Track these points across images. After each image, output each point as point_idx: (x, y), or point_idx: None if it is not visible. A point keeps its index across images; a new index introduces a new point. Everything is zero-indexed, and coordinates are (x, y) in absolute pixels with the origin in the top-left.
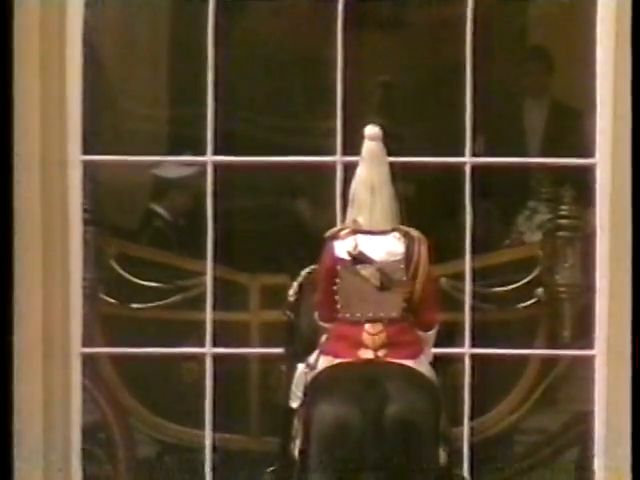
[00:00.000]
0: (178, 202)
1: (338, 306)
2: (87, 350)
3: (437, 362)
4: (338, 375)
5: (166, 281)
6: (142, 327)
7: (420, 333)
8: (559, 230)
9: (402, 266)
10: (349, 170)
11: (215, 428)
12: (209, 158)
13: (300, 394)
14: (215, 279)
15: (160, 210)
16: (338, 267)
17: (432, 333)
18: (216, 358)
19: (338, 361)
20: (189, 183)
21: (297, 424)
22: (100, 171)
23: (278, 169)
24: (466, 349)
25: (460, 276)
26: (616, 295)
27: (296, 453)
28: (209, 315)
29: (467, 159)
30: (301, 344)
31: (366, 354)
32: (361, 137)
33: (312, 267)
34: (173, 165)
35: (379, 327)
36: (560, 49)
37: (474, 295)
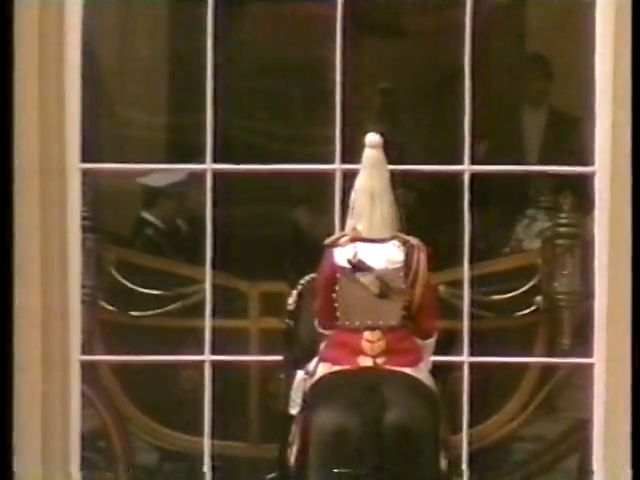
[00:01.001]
0: (174, 210)
1: (337, 313)
2: (86, 357)
3: (436, 370)
4: (337, 382)
5: (165, 288)
6: (141, 334)
7: (419, 341)
8: (558, 238)
9: (401, 274)
10: (348, 178)
11: (214, 435)
12: (209, 166)
13: (299, 401)
14: (214, 286)
15: (155, 218)
16: (338, 275)
17: (431, 341)
18: (215, 365)
19: (337, 368)
20: (184, 190)
21: (294, 430)
22: (99, 179)
23: (277, 177)
24: (465, 357)
25: (459, 284)
26: (615, 303)
27: (292, 459)
28: (208, 322)
29: (466, 167)
30: (300, 351)
31: (365, 361)
32: (360, 145)
33: (312, 275)
34: (161, 173)
35: (378, 335)
36: (559, 56)
37: (473, 303)
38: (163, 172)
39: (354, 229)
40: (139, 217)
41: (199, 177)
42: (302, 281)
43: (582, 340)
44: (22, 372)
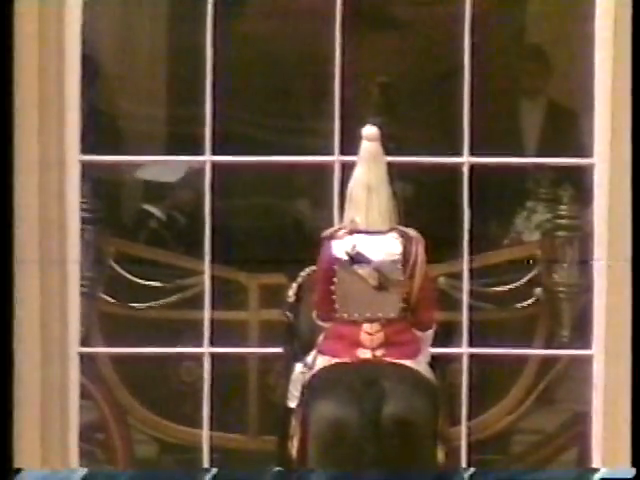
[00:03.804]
0: (173, 202)
1: (336, 306)
2: (85, 349)
3: (435, 362)
4: (336, 375)
5: (165, 280)
6: (141, 326)
7: (418, 333)
8: (557, 230)
9: (399, 266)
10: (347, 170)
11: (213, 427)
12: (208, 158)
13: (297, 394)
14: (214, 278)
15: (155, 210)
16: (336, 267)
17: (430, 333)
18: (214, 357)
19: (336, 361)
20: (187, 184)
21: (294, 423)
22: (98, 171)
23: (276, 169)
24: (464, 349)
25: (458, 275)
26: (614, 295)
27: (294, 452)
28: (207, 314)
29: (465, 159)
30: (300, 345)
31: (364, 354)
32: (359, 137)
33: (312, 267)
34: (159, 168)
35: (377, 327)
36: (558, 49)
37: (472, 295)
38: (162, 166)
39: (352, 221)
40: (138, 209)
41: (199, 170)
42: (302, 273)
43: (581, 332)
44: (21, 364)
